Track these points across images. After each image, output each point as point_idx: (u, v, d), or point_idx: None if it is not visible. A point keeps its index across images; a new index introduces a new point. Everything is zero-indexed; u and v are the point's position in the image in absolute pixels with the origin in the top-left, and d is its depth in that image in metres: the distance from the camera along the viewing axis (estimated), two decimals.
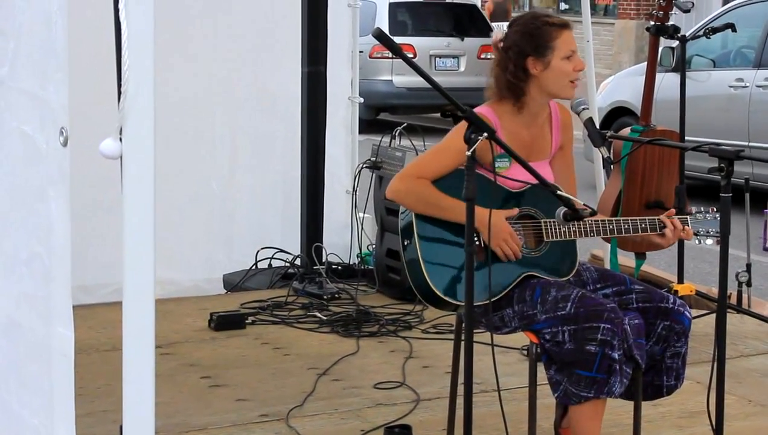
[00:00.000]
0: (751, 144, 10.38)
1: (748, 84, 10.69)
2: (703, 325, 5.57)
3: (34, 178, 3.11)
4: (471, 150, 3.35)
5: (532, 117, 4.00)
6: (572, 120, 4.12)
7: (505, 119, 3.94)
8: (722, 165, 3.60)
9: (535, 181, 3.71)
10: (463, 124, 3.77)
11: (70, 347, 2.94)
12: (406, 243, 3.87)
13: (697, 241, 4.05)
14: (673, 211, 4.02)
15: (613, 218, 3.97)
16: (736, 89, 10.80)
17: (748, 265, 6.19)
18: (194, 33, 6.64)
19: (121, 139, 2.79)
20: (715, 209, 3.98)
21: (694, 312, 5.62)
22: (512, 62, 3.92)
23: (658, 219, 3.96)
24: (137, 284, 2.85)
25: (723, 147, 3.71)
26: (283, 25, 6.87)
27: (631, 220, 3.95)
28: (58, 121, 2.92)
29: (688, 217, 4.01)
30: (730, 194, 3.61)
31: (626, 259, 6.40)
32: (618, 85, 12.03)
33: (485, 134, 3.37)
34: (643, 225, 3.95)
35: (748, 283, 6.19)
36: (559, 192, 3.71)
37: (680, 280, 6.09)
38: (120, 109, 2.79)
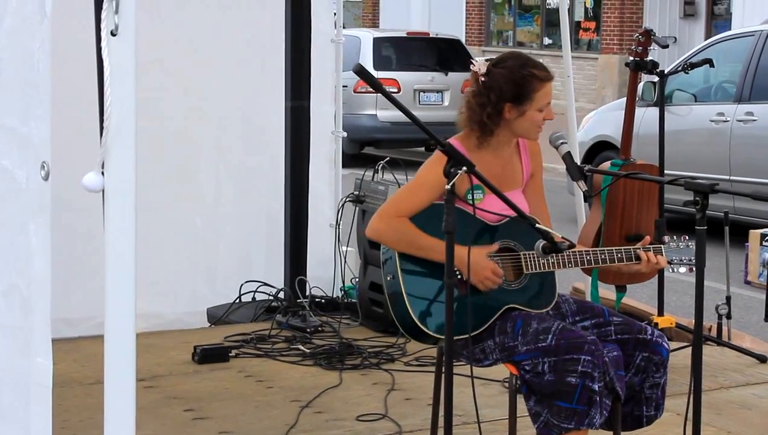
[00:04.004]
0: (732, 178, 10.45)
1: (729, 118, 10.76)
2: (683, 357, 5.60)
3: (13, 211, 3.11)
4: (450, 183, 3.39)
5: (499, 148, 4.01)
6: (540, 148, 4.14)
7: (473, 151, 3.93)
8: (697, 198, 3.65)
9: (512, 214, 3.75)
10: (435, 159, 3.82)
11: (49, 377, 2.94)
12: (389, 278, 3.88)
13: (671, 270, 4.11)
14: (648, 238, 4.06)
15: (590, 249, 4.01)
16: (718, 123, 10.86)
17: (728, 298, 6.23)
18: (181, 65, 6.69)
19: (103, 173, 2.82)
20: (687, 237, 4.03)
21: (675, 344, 5.67)
22: (492, 105, 3.93)
23: (633, 249, 4.01)
24: (118, 318, 2.85)
25: (698, 180, 3.76)
26: (268, 61, 6.91)
27: (607, 250, 4.00)
28: (40, 156, 2.93)
29: (662, 246, 4.06)
30: (705, 227, 3.66)
31: (607, 291, 6.44)
32: (600, 120, 12.08)
33: (464, 168, 3.42)
34: (619, 255, 4.00)
35: (728, 316, 6.23)
36: (537, 225, 3.76)
37: (660, 313, 6.12)
38: (102, 143, 2.81)
